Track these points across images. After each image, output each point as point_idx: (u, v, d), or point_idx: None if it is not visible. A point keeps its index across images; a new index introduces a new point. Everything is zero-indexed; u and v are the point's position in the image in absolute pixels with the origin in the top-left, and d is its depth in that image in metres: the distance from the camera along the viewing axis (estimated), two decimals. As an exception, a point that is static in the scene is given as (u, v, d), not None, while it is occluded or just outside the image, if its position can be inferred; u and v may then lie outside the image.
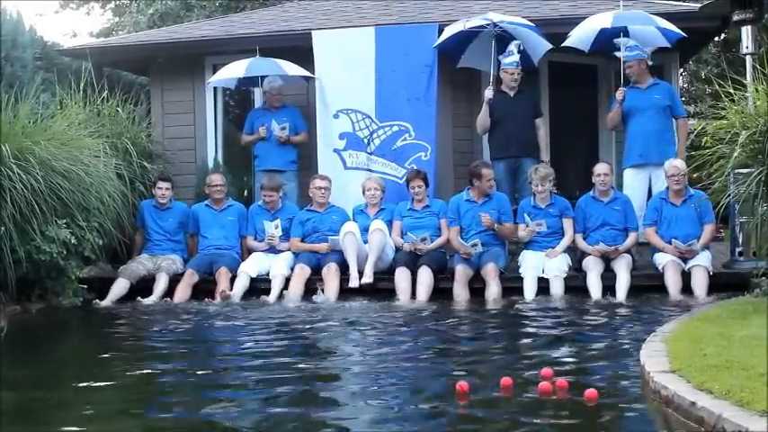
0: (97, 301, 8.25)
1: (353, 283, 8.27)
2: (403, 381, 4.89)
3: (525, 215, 8.45)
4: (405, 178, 9.09)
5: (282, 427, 3.98)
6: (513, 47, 9.08)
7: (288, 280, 8.43)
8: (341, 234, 8.47)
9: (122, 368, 5.28)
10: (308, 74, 9.65)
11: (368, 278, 8.25)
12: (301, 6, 12.37)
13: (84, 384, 4.75)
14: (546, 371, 4.55)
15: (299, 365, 5.32)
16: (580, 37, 8.95)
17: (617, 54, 8.81)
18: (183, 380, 4.97)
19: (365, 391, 4.59)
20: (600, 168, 8.50)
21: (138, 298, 8.32)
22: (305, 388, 4.71)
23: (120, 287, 8.46)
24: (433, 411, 4.16)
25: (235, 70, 9.56)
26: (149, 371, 5.23)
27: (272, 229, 8.78)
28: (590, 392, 4.14)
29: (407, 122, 9.53)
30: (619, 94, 8.89)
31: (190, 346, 6.24)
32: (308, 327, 6.85)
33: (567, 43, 8.95)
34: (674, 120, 8.96)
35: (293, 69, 9.55)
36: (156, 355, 5.81)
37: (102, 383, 4.80)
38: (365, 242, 8.57)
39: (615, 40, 8.80)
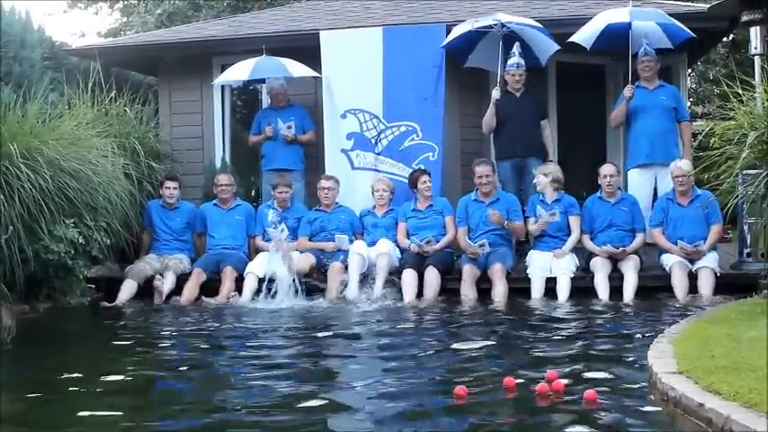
0: (105, 303, 8.25)
1: (350, 294, 8.19)
2: (405, 381, 4.89)
3: (538, 206, 8.43)
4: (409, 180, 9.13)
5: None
6: (514, 48, 9.06)
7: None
8: (350, 253, 8.46)
9: (126, 374, 5.21)
10: (313, 74, 9.64)
11: (376, 298, 8.19)
12: (309, 6, 12.38)
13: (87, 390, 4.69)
14: (550, 374, 4.53)
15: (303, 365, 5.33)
16: (586, 34, 8.92)
17: (643, 41, 8.75)
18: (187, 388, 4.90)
19: (366, 393, 4.59)
20: (606, 170, 8.48)
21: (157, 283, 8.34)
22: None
23: (128, 288, 8.48)
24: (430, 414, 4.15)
25: (240, 73, 9.56)
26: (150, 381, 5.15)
27: (278, 233, 8.79)
28: (589, 394, 4.13)
29: (415, 123, 9.52)
30: (627, 91, 8.86)
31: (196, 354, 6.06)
32: (314, 329, 6.87)
33: (572, 39, 8.93)
34: (677, 123, 8.95)
35: (299, 70, 9.53)
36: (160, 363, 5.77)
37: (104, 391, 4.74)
38: (372, 243, 8.59)
39: (638, 33, 8.74)
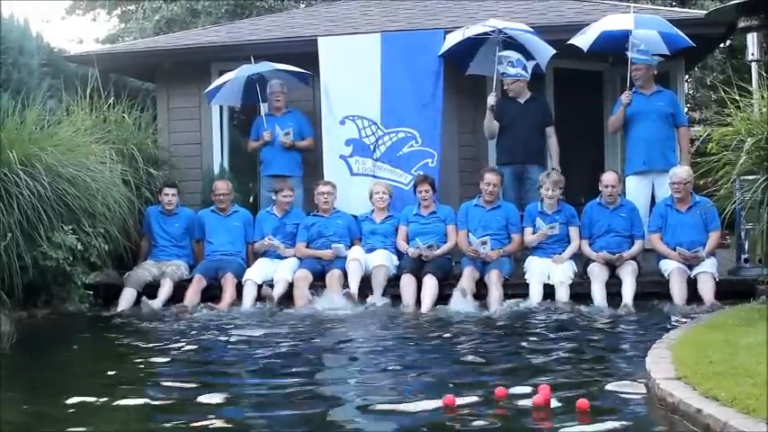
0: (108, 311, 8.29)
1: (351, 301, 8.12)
2: (398, 387, 4.90)
3: (538, 219, 8.43)
4: (411, 184, 9.12)
5: None
6: (513, 58, 9.06)
7: (291, 285, 8.43)
8: (347, 260, 8.47)
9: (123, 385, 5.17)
10: (300, 70, 9.64)
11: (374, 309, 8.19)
12: (307, 12, 12.42)
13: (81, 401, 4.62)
14: (542, 387, 4.46)
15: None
16: (585, 37, 8.93)
17: (627, 53, 8.79)
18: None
19: (361, 401, 4.60)
20: (608, 179, 8.44)
21: (144, 298, 8.34)
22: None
23: (128, 297, 8.47)
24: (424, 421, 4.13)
25: (226, 75, 9.64)
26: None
27: (275, 242, 8.81)
28: (581, 403, 4.13)
29: (414, 129, 9.53)
30: (625, 98, 8.86)
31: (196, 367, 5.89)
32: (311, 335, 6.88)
33: (571, 41, 8.93)
34: (675, 129, 8.96)
35: (287, 68, 9.59)
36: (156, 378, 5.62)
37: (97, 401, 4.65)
38: (371, 249, 8.60)
39: (631, 39, 8.76)
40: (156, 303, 8.38)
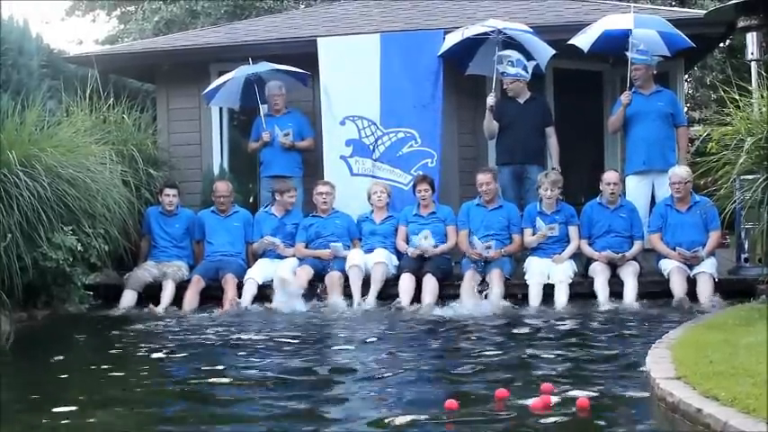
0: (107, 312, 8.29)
1: (354, 305, 8.15)
2: (398, 390, 4.89)
3: (538, 219, 8.43)
4: (411, 184, 9.12)
5: None
6: (513, 58, 9.06)
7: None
8: (347, 265, 8.46)
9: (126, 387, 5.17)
10: (298, 70, 9.64)
11: (369, 307, 8.17)
12: (307, 13, 12.41)
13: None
14: (545, 386, 4.48)
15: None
16: (586, 37, 8.93)
17: (627, 54, 8.79)
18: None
19: (361, 402, 4.60)
20: (610, 177, 8.45)
21: (150, 306, 8.33)
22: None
23: (128, 299, 8.48)
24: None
25: (225, 77, 9.67)
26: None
27: (276, 240, 8.81)
28: (581, 401, 4.12)
29: (413, 129, 9.53)
30: (625, 98, 8.87)
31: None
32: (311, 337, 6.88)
33: (571, 41, 8.94)
34: (675, 129, 8.96)
35: (285, 68, 9.61)
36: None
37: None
38: (370, 250, 8.60)
39: (630, 39, 8.77)
40: (160, 309, 8.35)
